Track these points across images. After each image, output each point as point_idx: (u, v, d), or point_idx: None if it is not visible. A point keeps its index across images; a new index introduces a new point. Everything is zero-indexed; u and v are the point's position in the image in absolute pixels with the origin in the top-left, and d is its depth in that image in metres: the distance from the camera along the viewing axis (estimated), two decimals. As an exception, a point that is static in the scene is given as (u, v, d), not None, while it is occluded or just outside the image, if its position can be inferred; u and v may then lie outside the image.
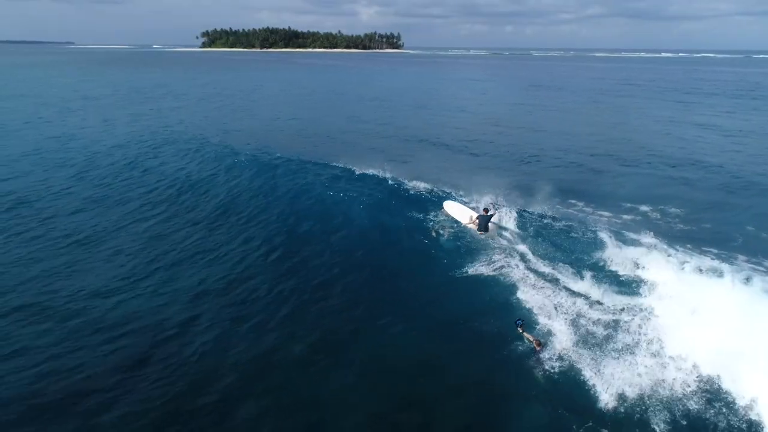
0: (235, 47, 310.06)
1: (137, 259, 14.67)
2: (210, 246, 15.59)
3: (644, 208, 18.08)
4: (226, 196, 19.97)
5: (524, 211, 16.96)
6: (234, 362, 10.31)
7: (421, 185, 19.37)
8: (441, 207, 17.26)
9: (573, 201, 18.66)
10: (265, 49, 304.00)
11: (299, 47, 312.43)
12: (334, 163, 22.73)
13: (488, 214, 15.63)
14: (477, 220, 15.59)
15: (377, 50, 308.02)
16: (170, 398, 9.37)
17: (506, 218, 15.98)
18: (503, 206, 16.71)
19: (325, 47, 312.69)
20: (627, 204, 18.32)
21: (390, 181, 19.96)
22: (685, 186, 21.34)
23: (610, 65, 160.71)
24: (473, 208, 16.82)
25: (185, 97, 54.56)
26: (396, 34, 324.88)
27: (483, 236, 15.14)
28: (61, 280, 13.47)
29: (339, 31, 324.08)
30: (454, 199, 17.76)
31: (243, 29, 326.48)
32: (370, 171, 21.09)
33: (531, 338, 10.38)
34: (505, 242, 14.82)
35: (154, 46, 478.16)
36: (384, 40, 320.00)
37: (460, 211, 16.76)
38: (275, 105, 49.93)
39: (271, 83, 78.25)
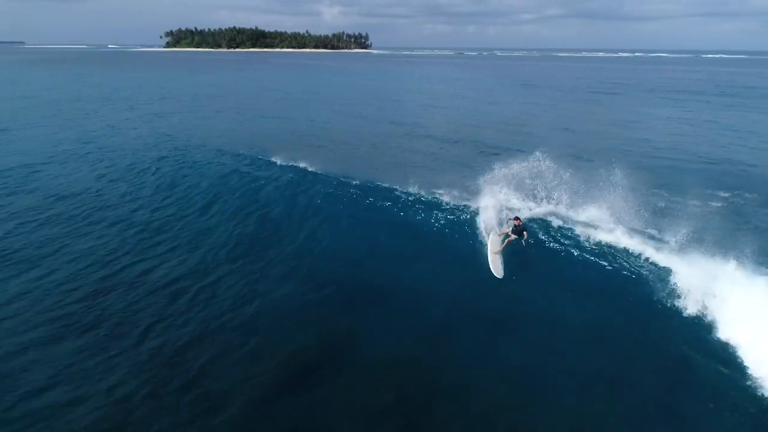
0: (201, 47, 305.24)
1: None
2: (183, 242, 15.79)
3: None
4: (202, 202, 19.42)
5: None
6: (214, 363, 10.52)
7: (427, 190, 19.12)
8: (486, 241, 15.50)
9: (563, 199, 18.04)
10: (232, 49, 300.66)
11: (267, 47, 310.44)
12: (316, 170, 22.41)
13: (517, 224, 14.80)
14: (510, 232, 14.78)
15: (345, 50, 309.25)
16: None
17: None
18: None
19: (293, 47, 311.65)
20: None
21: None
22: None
23: (584, 65, 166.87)
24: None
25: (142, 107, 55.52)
26: (364, 34, 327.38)
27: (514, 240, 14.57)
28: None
29: (306, 31, 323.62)
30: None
31: (209, 29, 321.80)
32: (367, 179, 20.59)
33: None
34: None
35: (110, 46, 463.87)
36: (352, 40, 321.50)
37: (494, 242, 15.21)
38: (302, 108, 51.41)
39: (277, 83, 79.24)
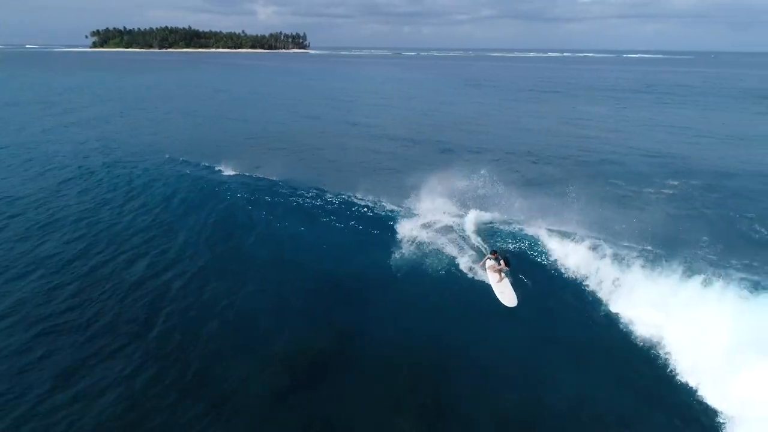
0: (131, 47, 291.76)
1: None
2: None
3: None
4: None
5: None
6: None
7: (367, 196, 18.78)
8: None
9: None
10: (164, 50, 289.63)
11: (201, 47, 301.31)
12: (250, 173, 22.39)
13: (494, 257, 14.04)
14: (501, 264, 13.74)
15: (283, 50, 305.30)
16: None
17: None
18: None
19: (229, 47, 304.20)
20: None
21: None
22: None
23: (519, 65, 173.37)
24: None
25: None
26: (302, 34, 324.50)
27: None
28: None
29: (243, 31, 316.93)
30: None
31: (139, 28, 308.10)
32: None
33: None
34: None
35: (28, 46, 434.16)
36: (290, 39, 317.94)
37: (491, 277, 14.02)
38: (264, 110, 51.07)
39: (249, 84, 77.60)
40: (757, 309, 10.26)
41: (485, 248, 14.74)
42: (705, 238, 13.69)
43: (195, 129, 35.84)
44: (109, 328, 11.65)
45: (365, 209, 17.59)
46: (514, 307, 12.38)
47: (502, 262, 13.33)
